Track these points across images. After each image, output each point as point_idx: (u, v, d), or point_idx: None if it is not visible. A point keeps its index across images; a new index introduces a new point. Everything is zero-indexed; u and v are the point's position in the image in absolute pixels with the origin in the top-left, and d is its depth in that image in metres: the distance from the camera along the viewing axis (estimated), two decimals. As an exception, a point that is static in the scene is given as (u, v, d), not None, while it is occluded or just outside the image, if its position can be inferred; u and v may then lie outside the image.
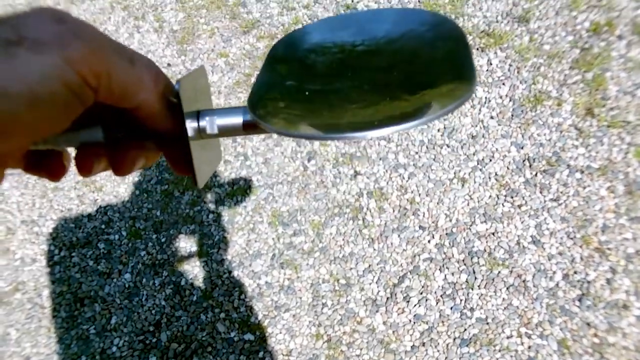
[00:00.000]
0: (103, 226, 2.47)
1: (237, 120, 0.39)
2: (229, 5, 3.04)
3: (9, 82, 0.28)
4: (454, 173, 2.20)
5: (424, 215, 2.14)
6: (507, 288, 1.95)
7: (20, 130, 0.30)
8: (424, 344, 1.93)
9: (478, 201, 2.12)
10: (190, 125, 0.38)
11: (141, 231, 2.40)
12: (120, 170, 0.42)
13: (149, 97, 0.36)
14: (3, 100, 0.28)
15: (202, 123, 0.39)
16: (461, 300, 1.97)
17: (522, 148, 2.19)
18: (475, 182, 2.16)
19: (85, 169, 0.42)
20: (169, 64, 2.90)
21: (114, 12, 3.29)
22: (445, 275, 2.02)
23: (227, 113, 0.40)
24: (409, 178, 2.22)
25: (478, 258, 2.02)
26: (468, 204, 2.13)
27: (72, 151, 0.42)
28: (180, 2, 3.18)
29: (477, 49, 2.45)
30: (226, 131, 0.40)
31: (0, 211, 2.64)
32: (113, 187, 2.56)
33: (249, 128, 0.39)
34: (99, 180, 2.60)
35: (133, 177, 2.56)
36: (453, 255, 2.05)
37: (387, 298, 2.03)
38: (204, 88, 0.43)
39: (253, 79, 2.66)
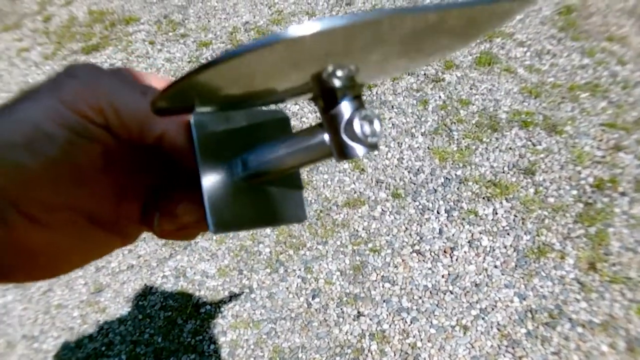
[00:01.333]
0: (104, 348, 2.49)
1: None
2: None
3: (8, 134, 0.30)
4: (457, 320, 2.22)
5: (425, 361, 2.15)
6: None
7: (37, 179, 0.30)
8: None
9: (479, 350, 2.13)
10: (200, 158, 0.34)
11: (141, 356, 2.42)
12: (161, 229, 0.38)
13: (170, 127, 0.33)
14: (6, 152, 0.29)
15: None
16: None
17: (524, 299, 2.22)
18: (477, 330, 2.18)
19: (149, 224, 0.39)
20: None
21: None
22: None
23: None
24: (411, 322, 2.25)
25: (477, 409, 2.01)
26: (469, 352, 2.13)
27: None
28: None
29: (484, 198, 2.53)
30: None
31: (1, 324, 2.68)
32: (117, 309, 2.61)
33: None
34: (103, 301, 2.64)
35: (137, 300, 2.60)
36: (452, 405, 2.04)
37: None
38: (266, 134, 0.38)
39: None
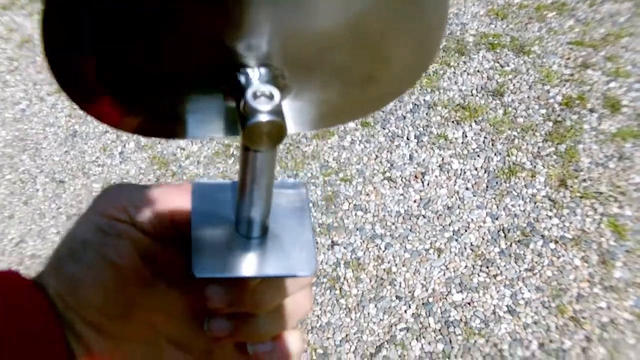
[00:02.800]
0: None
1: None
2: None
3: (61, 252, 0.34)
4: (430, 243, 2.22)
5: (400, 285, 2.16)
6: (484, 357, 1.95)
7: (84, 285, 0.33)
8: (400, 416, 1.92)
9: (454, 271, 2.14)
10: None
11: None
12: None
13: (183, 204, 0.34)
14: (61, 267, 0.34)
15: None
16: (437, 370, 1.97)
17: (497, 219, 2.22)
18: (451, 252, 2.18)
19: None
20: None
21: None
22: (422, 345, 2.02)
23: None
24: (385, 248, 2.25)
25: (454, 327, 2.03)
26: (444, 274, 2.14)
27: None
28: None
29: (453, 121, 2.51)
30: None
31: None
32: None
33: None
34: None
35: None
36: (430, 325, 2.05)
37: (364, 369, 2.02)
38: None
39: (232, 149, 2.72)
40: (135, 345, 0.36)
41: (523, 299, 2.04)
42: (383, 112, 2.61)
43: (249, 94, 0.26)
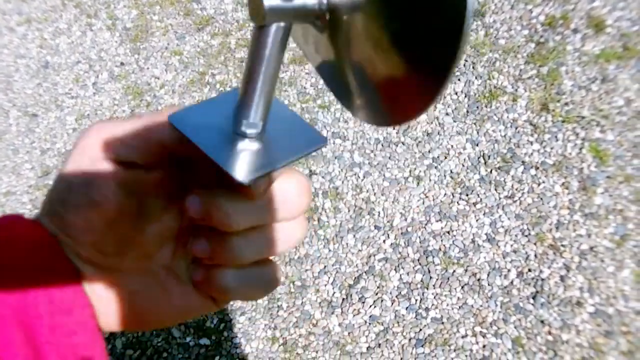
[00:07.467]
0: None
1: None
2: (182, 1, 2.99)
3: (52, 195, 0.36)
4: (409, 171, 2.18)
5: (379, 215, 2.13)
6: (462, 287, 1.94)
7: (74, 226, 0.34)
8: (379, 345, 1.92)
9: (433, 199, 2.11)
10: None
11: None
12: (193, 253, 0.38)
13: (165, 129, 0.34)
14: (55, 210, 0.35)
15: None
16: (416, 300, 1.96)
17: (477, 145, 2.18)
18: (430, 180, 2.15)
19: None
20: (122, 63, 2.86)
21: (66, 10, 3.23)
22: (400, 276, 2.01)
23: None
24: (364, 177, 2.20)
25: (433, 257, 2.01)
26: (423, 203, 2.11)
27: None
28: (133, -1, 3.13)
29: (433, 44, 2.43)
30: None
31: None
32: None
33: None
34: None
35: None
36: (408, 255, 2.04)
37: (343, 299, 2.01)
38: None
39: (208, 77, 2.63)
40: (133, 275, 0.37)
41: (502, 227, 2.02)
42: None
43: None
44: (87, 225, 0.34)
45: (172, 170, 0.36)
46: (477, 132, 2.20)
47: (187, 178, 0.37)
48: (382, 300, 1.98)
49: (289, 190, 0.35)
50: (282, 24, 0.28)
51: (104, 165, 0.34)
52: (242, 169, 0.31)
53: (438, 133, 2.23)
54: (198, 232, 0.36)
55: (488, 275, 1.95)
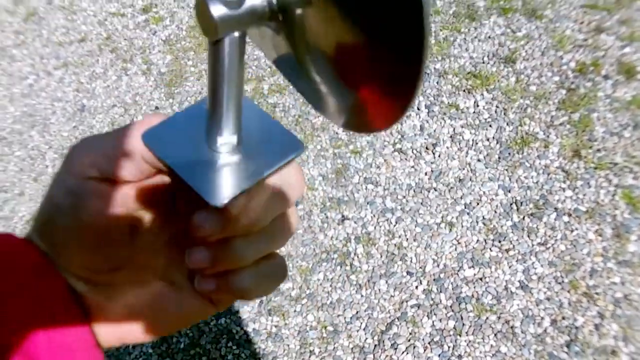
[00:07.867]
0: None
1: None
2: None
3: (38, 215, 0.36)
4: (442, 217, 2.19)
5: (411, 261, 2.13)
6: (495, 334, 1.94)
7: (62, 246, 0.34)
8: (412, 393, 1.92)
9: (466, 246, 2.11)
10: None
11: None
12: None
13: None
14: (43, 231, 0.35)
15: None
16: (449, 347, 1.95)
17: (509, 191, 2.18)
18: (462, 226, 2.15)
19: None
20: (156, 107, 2.92)
21: (102, 55, 3.32)
22: (433, 322, 2.01)
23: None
24: (396, 223, 2.22)
25: (466, 304, 2.01)
26: (456, 249, 2.12)
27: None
28: (168, 45, 3.21)
29: (464, 90, 2.46)
30: None
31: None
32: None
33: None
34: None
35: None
36: (441, 301, 2.03)
37: (375, 345, 2.01)
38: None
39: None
40: (128, 288, 0.37)
41: (536, 274, 2.01)
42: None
43: None
44: (77, 247, 0.34)
45: (159, 180, 0.36)
46: (509, 179, 2.21)
47: (174, 186, 0.36)
48: (414, 347, 1.98)
49: (289, 180, 0.34)
50: (235, 34, 0.28)
51: (89, 185, 0.33)
52: (216, 191, 0.30)
53: (470, 179, 2.24)
54: (193, 239, 0.33)
55: (521, 322, 1.93)
